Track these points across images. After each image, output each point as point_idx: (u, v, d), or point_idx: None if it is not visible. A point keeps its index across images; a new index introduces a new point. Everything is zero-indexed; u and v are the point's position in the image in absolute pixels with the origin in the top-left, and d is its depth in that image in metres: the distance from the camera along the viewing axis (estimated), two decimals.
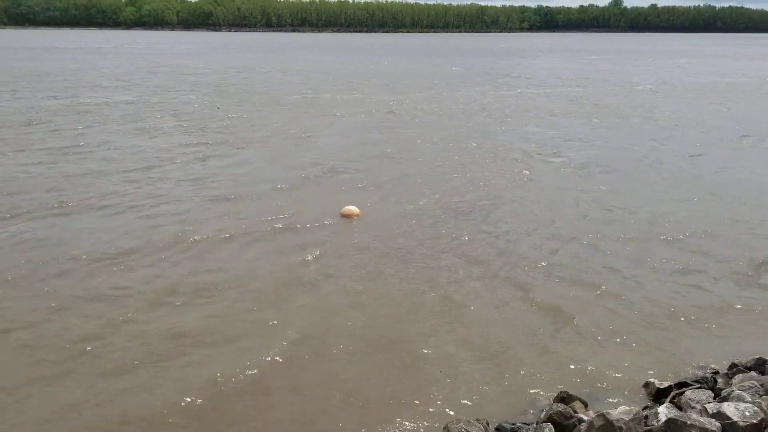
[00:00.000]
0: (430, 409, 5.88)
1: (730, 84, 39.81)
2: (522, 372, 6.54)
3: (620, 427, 4.42)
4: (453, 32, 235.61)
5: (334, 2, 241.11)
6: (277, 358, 6.72)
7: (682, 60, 66.44)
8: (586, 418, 5.20)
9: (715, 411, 4.90)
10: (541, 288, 8.54)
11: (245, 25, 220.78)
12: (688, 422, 4.60)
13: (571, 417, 5.23)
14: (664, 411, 5.02)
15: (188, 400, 5.96)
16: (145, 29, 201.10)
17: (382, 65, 55.50)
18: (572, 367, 6.64)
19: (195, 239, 10.13)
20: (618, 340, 7.17)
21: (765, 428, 4.80)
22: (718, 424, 4.74)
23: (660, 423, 4.78)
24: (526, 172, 15.08)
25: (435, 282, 8.69)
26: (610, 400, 6.05)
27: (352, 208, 11.70)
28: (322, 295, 8.28)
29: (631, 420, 4.45)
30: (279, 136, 19.49)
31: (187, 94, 30.56)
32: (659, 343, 7.14)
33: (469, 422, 5.11)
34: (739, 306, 8.03)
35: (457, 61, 63.42)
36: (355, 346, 7.04)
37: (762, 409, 4.96)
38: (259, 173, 14.66)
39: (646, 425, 4.99)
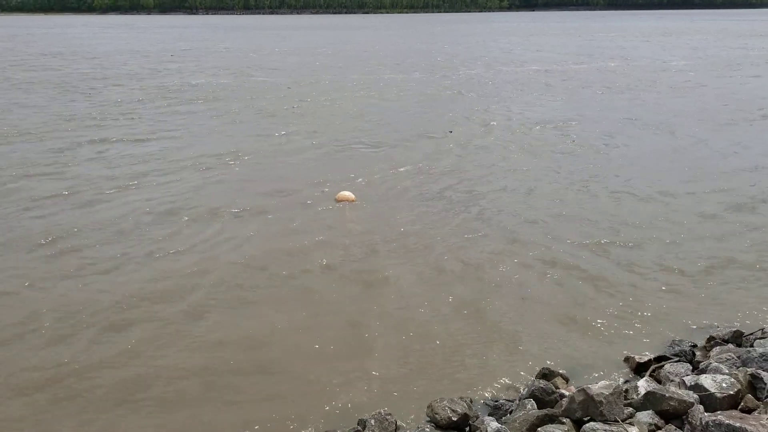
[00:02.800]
0: (414, 388, 5.93)
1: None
2: (504, 350, 6.61)
3: (600, 401, 4.49)
4: (433, 12, 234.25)
5: None
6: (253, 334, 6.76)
7: (696, 36, 65.47)
8: (567, 393, 5.27)
9: (692, 383, 4.99)
10: (522, 266, 8.60)
11: (222, 8, 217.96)
12: (667, 395, 4.68)
13: (553, 393, 5.30)
14: (643, 384, 5.10)
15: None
16: (121, 13, 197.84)
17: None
18: (553, 343, 6.72)
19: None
20: (598, 316, 7.26)
21: (741, 399, 4.89)
22: (696, 395, 4.83)
23: (640, 396, 4.86)
24: None
25: (416, 261, 8.74)
26: (592, 375, 6.14)
27: (347, 194, 11.59)
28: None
29: (611, 394, 4.51)
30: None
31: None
32: (639, 317, 7.23)
33: (452, 400, 5.16)
34: (717, 279, 8.16)
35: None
36: (341, 325, 7.10)
37: (738, 381, 5.06)
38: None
39: (626, 399, 5.07)
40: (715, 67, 34.66)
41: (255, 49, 52.19)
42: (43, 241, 9.43)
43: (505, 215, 10.62)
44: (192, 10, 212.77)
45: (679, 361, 6.06)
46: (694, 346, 6.59)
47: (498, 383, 6.04)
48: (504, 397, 5.78)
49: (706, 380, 4.95)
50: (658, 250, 9.06)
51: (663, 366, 5.93)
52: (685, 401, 4.66)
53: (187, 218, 10.48)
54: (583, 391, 4.62)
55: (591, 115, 20.17)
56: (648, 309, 7.41)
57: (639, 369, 6.14)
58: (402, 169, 13.48)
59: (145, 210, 10.89)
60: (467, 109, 21.62)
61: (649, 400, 4.76)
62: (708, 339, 6.68)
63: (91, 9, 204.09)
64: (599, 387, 4.58)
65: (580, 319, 7.21)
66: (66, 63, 38.55)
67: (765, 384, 4.96)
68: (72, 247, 9.24)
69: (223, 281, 8.20)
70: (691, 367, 5.85)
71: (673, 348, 6.47)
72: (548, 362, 6.31)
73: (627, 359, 6.36)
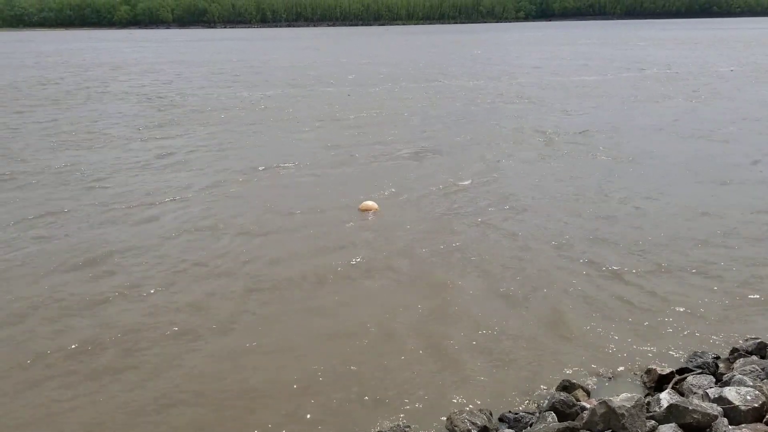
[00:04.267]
0: (433, 401, 5.91)
1: None
2: (524, 362, 6.57)
3: (622, 414, 4.44)
4: (449, 23, 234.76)
5: None
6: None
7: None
8: (588, 406, 5.23)
9: (716, 396, 4.93)
10: (543, 278, 8.56)
11: (240, 22, 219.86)
12: (690, 407, 4.63)
13: (574, 405, 5.26)
14: (666, 397, 5.04)
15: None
16: (140, 28, 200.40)
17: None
18: (574, 355, 6.66)
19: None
20: (619, 328, 7.19)
21: (767, 412, 4.82)
22: (719, 408, 4.77)
23: (662, 409, 4.81)
24: None
25: (435, 274, 8.73)
26: (613, 387, 6.08)
27: (370, 203, 11.67)
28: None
29: (633, 407, 4.47)
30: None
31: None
32: (661, 329, 7.16)
33: (472, 413, 5.14)
34: (740, 291, 8.05)
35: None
36: (356, 336, 7.10)
37: (763, 393, 4.98)
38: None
39: (648, 411, 5.01)
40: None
41: (299, 61, 52.60)
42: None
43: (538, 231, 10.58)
44: (210, 24, 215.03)
45: (701, 373, 5.98)
46: (717, 357, 6.50)
47: (518, 396, 6.00)
48: (524, 410, 5.74)
49: (730, 393, 4.89)
50: (680, 262, 8.97)
51: (686, 378, 5.85)
52: (708, 414, 4.60)
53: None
54: (604, 403, 4.58)
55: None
56: (670, 321, 7.33)
57: (661, 381, 6.05)
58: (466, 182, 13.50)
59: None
60: (526, 117, 21.69)
61: (672, 413, 4.70)
62: (731, 351, 6.58)
63: (111, 24, 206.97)
64: (621, 399, 4.53)
65: (601, 331, 7.15)
66: (132, 77, 39.00)
67: None
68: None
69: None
70: (714, 380, 5.77)
71: (696, 360, 6.38)
72: (568, 374, 6.26)
73: (648, 371, 6.28)
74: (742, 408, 4.76)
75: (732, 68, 37.54)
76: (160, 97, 28.16)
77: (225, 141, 18.18)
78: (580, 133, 18.56)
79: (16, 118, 22.57)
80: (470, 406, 5.68)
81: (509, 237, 10.08)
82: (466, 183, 13.25)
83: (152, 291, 8.28)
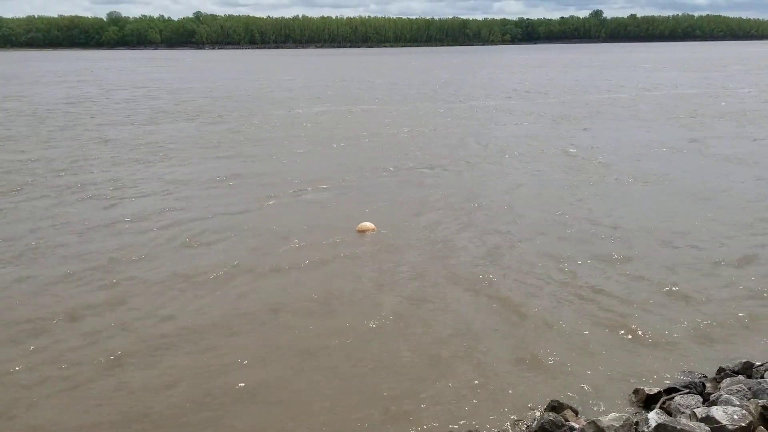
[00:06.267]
0: (422, 421, 5.88)
1: None
2: (513, 382, 6.57)
3: None
4: (436, 46, 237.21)
5: (317, 18, 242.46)
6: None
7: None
8: (577, 426, 5.23)
9: (704, 415, 4.94)
10: (532, 298, 8.58)
11: (229, 43, 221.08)
12: (678, 427, 4.64)
13: (562, 425, 5.26)
14: (654, 417, 5.04)
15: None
16: (129, 49, 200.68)
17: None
18: (563, 376, 6.67)
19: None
20: (607, 349, 7.21)
21: (753, 431, 4.84)
22: (707, 428, 4.78)
23: (650, 429, 4.81)
24: None
25: (425, 295, 8.74)
26: (601, 407, 6.08)
27: (368, 224, 11.67)
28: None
29: (621, 426, 4.48)
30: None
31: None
32: (648, 350, 7.19)
33: None
34: (726, 311, 8.11)
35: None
36: (339, 357, 7.07)
37: (750, 412, 5.00)
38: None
39: (636, 431, 5.02)
40: None
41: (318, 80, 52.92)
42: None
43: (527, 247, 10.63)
44: (198, 45, 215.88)
45: (689, 393, 5.99)
46: (705, 377, 6.53)
47: (506, 416, 5.99)
48: (512, 431, 5.73)
49: (717, 412, 4.90)
50: (669, 281, 9.04)
51: (673, 398, 5.86)
52: None
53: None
54: (593, 423, 4.58)
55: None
56: (658, 342, 7.36)
57: (649, 401, 6.06)
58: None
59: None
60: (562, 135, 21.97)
61: None
62: (718, 370, 6.62)
63: (99, 44, 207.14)
64: (609, 419, 4.54)
65: (589, 351, 7.17)
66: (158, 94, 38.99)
67: None
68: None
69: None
70: (701, 399, 5.78)
71: (683, 380, 6.41)
72: (557, 395, 6.26)
73: (636, 391, 6.30)
74: (730, 427, 4.77)
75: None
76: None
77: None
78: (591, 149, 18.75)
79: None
80: (459, 427, 5.66)
81: (500, 252, 10.13)
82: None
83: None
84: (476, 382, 6.57)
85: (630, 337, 7.48)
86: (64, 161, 18.14)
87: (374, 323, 7.89)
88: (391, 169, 16.92)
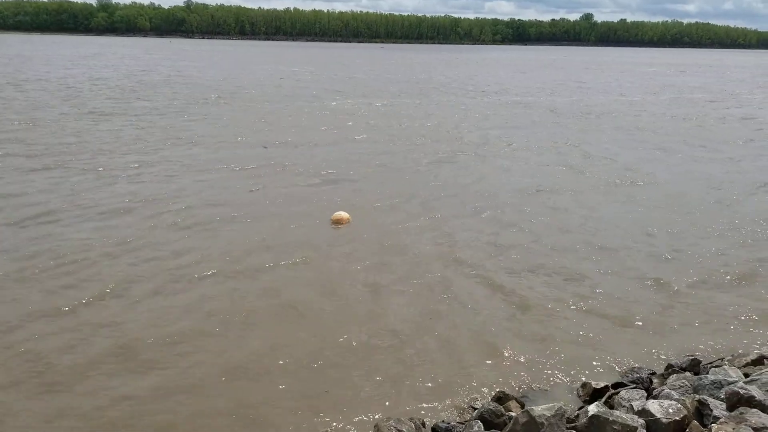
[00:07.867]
0: (365, 406, 5.90)
1: None
2: (464, 374, 6.59)
3: (542, 423, 4.47)
4: (427, 43, 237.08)
5: (308, 12, 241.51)
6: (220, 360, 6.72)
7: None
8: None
9: (640, 408, 4.98)
10: (490, 288, 8.63)
11: (219, 33, 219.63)
12: (611, 419, 4.67)
13: (502, 415, 5.29)
14: (593, 409, 5.07)
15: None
16: (117, 35, 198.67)
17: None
18: (514, 368, 6.72)
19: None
20: (558, 342, 7.26)
21: (688, 425, 4.88)
22: (641, 420, 4.82)
23: (585, 419, 4.85)
24: None
25: (380, 284, 8.75)
26: (548, 400, 6.10)
27: (342, 214, 11.51)
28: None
29: (553, 416, 4.50)
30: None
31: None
32: (600, 344, 7.25)
33: (399, 420, 5.12)
34: (681, 306, 8.20)
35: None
36: (289, 343, 7.06)
37: (686, 406, 5.05)
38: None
39: (576, 422, 5.05)
40: None
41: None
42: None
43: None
44: (188, 34, 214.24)
45: (635, 387, 6.06)
46: (653, 373, 6.61)
47: (455, 407, 6.01)
48: (458, 420, 5.75)
49: (653, 405, 4.94)
50: (629, 277, 9.11)
51: (618, 392, 5.91)
52: (629, 426, 4.64)
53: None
54: (526, 412, 4.61)
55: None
56: (611, 337, 7.43)
57: (596, 395, 6.11)
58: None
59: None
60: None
61: (594, 424, 4.74)
62: (666, 367, 6.70)
63: (87, 30, 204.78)
64: (542, 409, 4.56)
65: (540, 345, 7.21)
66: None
67: (711, 410, 4.96)
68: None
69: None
70: (646, 394, 5.83)
71: (632, 375, 6.48)
72: (506, 387, 6.29)
73: (584, 385, 6.34)
74: (664, 420, 4.81)
75: None
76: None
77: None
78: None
79: None
80: (402, 415, 5.67)
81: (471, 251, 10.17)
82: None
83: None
84: (424, 371, 6.59)
85: (583, 331, 7.54)
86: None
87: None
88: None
